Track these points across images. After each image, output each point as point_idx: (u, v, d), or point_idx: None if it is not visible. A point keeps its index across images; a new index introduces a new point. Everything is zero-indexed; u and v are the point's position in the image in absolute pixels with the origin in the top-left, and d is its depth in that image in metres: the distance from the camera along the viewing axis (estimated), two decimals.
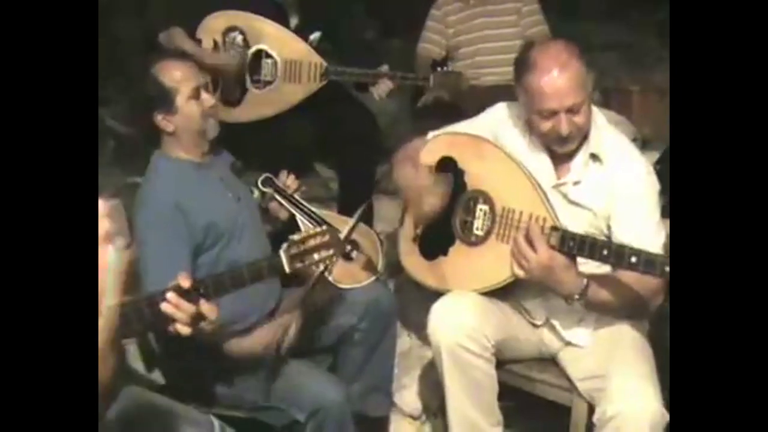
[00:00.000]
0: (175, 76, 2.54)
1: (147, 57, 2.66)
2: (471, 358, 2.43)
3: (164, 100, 2.53)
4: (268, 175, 2.83)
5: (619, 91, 5.08)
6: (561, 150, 2.49)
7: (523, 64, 2.43)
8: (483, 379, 2.48)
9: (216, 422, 2.14)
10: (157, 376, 2.52)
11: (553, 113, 2.39)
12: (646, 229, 2.41)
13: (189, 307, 1.98)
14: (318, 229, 2.19)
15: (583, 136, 2.49)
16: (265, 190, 2.81)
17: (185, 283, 1.99)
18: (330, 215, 2.93)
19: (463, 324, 2.43)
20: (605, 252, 2.24)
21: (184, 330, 1.99)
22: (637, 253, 2.19)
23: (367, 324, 2.73)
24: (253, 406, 2.48)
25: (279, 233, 2.83)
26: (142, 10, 4.59)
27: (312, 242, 2.17)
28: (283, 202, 2.81)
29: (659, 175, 2.70)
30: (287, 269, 2.13)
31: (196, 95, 2.56)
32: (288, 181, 2.82)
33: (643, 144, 4.46)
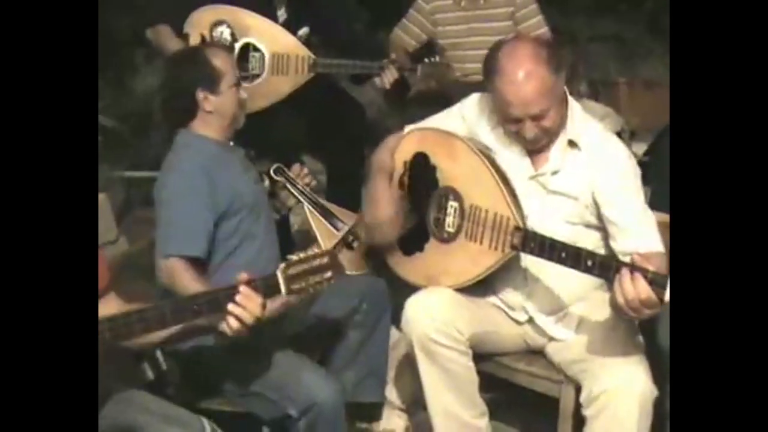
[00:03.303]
0: (224, 61, 2.69)
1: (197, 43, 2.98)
2: (443, 350, 2.46)
3: (210, 80, 2.65)
4: (279, 165, 3.00)
5: (606, 83, 5.09)
6: (531, 147, 2.51)
7: (490, 67, 2.44)
8: (459, 371, 2.50)
9: (207, 424, 2.15)
10: (146, 370, 2.52)
11: (519, 119, 2.41)
12: (634, 210, 2.42)
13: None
14: (317, 251, 2.16)
15: (561, 125, 2.49)
16: (277, 178, 2.99)
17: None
18: (335, 208, 3.14)
19: (433, 317, 2.46)
20: (563, 254, 2.26)
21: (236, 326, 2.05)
22: (593, 257, 2.22)
23: (367, 306, 2.79)
24: (244, 392, 2.48)
25: (279, 223, 3.00)
26: (130, 5, 4.57)
27: (311, 264, 2.12)
28: (293, 191, 3.01)
29: (647, 166, 2.71)
30: (283, 291, 2.09)
31: (237, 84, 2.72)
32: (301, 172, 3.03)
33: (631, 135, 4.47)
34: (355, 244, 3.07)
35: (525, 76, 2.35)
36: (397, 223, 2.70)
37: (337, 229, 3.11)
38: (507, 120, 2.45)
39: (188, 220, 2.53)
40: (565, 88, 2.50)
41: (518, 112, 2.39)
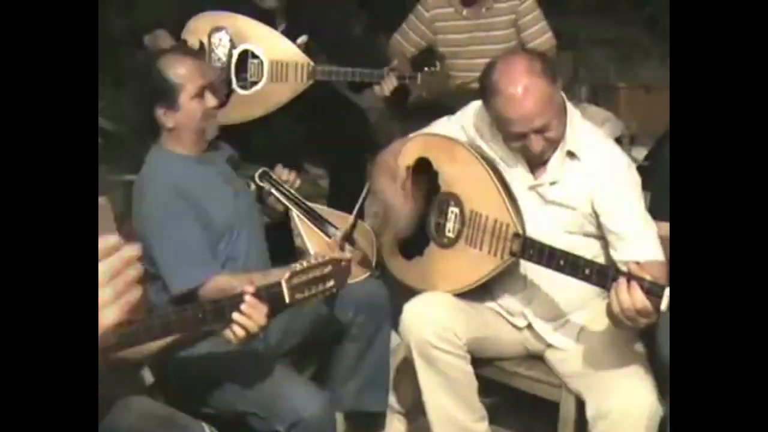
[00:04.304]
0: (182, 72, 2.51)
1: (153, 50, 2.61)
2: (441, 355, 2.46)
3: (168, 95, 2.50)
4: (265, 169, 2.81)
5: (606, 87, 5.10)
6: (538, 160, 2.50)
7: (486, 87, 2.42)
8: (458, 375, 2.51)
9: (207, 428, 2.14)
10: (146, 375, 2.52)
11: (523, 135, 2.40)
12: (633, 219, 2.41)
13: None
14: (321, 260, 2.15)
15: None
16: (261, 184, 2.80)
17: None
18: (325, 210, 2.94)
19: (431, 322, 2.46)
20: (562, 262, 2.26)
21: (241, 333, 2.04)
22: (591, 265, 2.22)
23: (363, 318, 2.73)
24: (234, 410, 2.44)
25: (275, 225, 2.90)
26: (129, 7, 4.57)
27: (315, 273, 2.12)
28: (279, 197, 2.81)
29: (647, 171, 2.71)
30: (287, 300, 2.08)
31: (200, 94, 2.54)
32: (284, 175, 2.82)
33: (631, 140, 4.48)
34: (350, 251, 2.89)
35: (523, 91, 2.33)
36: (410, 211, 2.68)
37: (329, 236, 2.88)
38: (511, 137, 2.44)
39: (189, 245, 2.44)
40: (564, 96, 2.50)
41: (522, 127, 2.37)
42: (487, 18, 3.88)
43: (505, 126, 2.42)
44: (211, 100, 2.57)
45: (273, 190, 2.80)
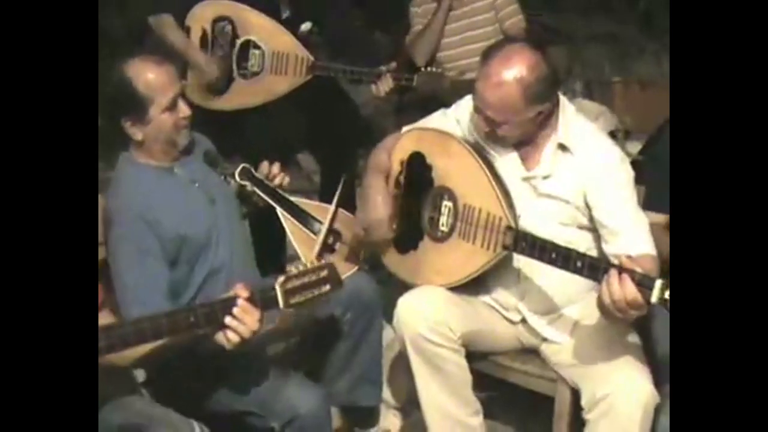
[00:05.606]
0: (152, 82, 2.35)
1: (119, 55, 2.44)
2: (435, 348, 2.47)
3: (136, 107, 2.35)
4: (245, 165, 2.68)
5: (601, 82, 5.11)
6: (491, 140, 2.54)
7: (487, 53, 2.45)
8: (452, 369, 2.51)
9: (196, 426, 2.13)
10: (138, 373, 2.51)
11: (478, 110, 2.45)
12: (625, 214, 2.42)
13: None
14: (316, 264, 2.13)
15: (552, 128, 2.50)
16: (242, 182, 2.67)
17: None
18: (310, 204, 2.87)
19: (425, 316, 2.47)
20: (554, 255, 2.27)
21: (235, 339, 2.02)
22: (583, 258, 2.23)
23: (352, 315, 2.71)
24: (232, 410, 2.41)
25: (259, 212, 2.80)
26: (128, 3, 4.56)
27: (309, 278, 2.10)
28: (262, 195, 2.70)
29: (641, 165, 2.72)
30: (281, 305, 2.06)
31: (172, 106, 2.39)
32: (272, 169, 2.71)
33: (626, 134, 4.49)
34: (336, 246, 2.82)
35: (497, 83, 2.36)
36: (390, 223, 2.70)
37: (315, 233, 2.79)
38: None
39: (141, 280, 2.32)
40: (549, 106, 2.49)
41: (478, 102, 2.44)
42: (469, 4, 3.94)
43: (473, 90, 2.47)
44: (184, 110, 2.43)
45: (255, 189, 2.68)
